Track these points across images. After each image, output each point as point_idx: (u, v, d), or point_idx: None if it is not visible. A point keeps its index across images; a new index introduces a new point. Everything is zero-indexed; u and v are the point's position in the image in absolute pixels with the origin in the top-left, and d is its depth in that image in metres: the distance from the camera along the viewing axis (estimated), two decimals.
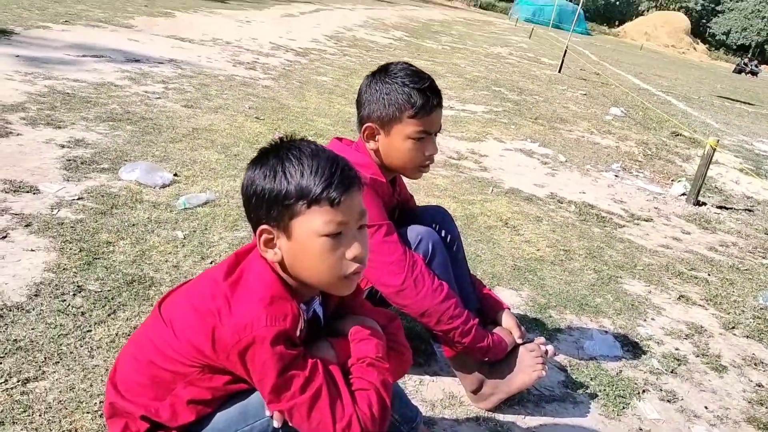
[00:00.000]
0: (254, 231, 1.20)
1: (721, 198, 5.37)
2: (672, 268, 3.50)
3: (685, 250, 3.86)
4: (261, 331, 1.11)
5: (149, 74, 5.32)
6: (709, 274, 3.54)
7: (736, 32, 52.68)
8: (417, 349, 2.12)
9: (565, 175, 5.03)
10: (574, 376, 2.24)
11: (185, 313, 1.20)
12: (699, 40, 48.53)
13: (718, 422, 2.18)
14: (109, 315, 1.98)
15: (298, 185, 1.14)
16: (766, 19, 50.79)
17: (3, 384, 1.61)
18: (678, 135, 7.84)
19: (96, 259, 2.28)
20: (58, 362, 1.73)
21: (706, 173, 4.90)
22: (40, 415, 1.54)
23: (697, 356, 2.60)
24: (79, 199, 2.72)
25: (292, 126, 4.67)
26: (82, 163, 3.11)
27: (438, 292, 1.76)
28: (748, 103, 15.73)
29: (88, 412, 1.58)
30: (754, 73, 31.16)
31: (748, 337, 2.88)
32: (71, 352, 1.77)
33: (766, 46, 52.22)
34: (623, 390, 2.21)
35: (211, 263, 2.43)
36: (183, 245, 2.52)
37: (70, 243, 2.34)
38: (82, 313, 1.95)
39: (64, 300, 2.00)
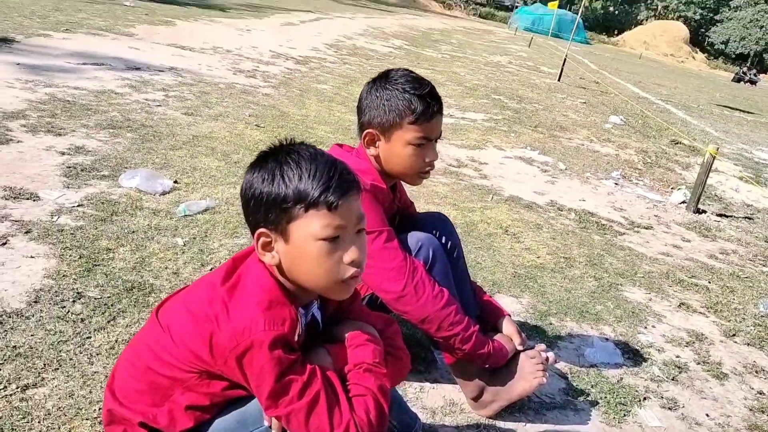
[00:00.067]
0: (252, 234, 1.20)
1: (720, 206, 5.37)
2: (672, 275, 3.49)
3: (685, 258, 3.86)
4: (259, 335, 1.10)
5: (150, 82, 5.34)
6: (709, 282, 3.53)
7: (735, 41, 52.88)
8: (417, 356, 2.11)
9: (565, 183, 5.03)
10: (574, 384, 2.23)
11: (183, 319, 1.20)
12: (698, 49, 48.77)
13: (720, 430, 2.17)
14: (108, 322, 1.97)
15: (296, 189, 1.14)
16: (764, 29, 50.98)
17: (2, 391, 1.60)
18: (677, 143, 7.85)
19: (96, 265, 2.28)
20: (58, 369, 1.72)
21: (705, 181, 4.90)
22: (39, 422, 1.53)
23: (698, 364, 2.59)
24: (79, 206, 2.73)
25: (292, 133, 4.66)
26: (82, 170, 3.11)
27: (438, 298, 1.75)
28: (748, 112, 15.76)
29: (87, 419, 1.57)
30: (752, 82, 31.23)
31: (748, 344, 2.87)
32: (71, 359, 1.77)
33: (764, 55, 52.40)
34: (624, 397, 2.20)
35: (210, 270, 2.43)
36: (183, 252, 2.52)
37: (69, 250, 2.34)
38: (82, 320, 1.95)
39: (64, 306, 1.99)
